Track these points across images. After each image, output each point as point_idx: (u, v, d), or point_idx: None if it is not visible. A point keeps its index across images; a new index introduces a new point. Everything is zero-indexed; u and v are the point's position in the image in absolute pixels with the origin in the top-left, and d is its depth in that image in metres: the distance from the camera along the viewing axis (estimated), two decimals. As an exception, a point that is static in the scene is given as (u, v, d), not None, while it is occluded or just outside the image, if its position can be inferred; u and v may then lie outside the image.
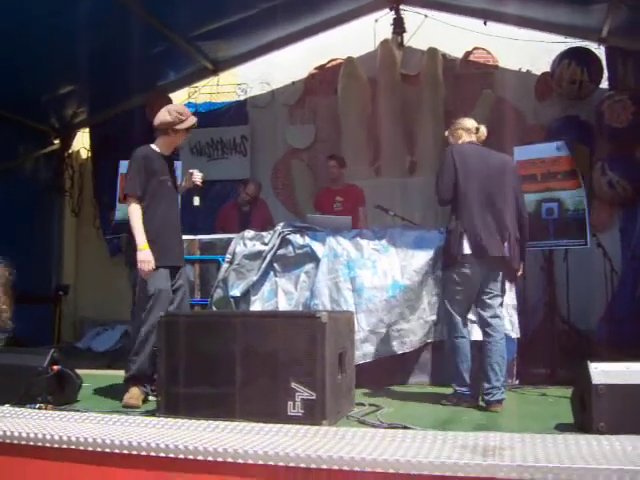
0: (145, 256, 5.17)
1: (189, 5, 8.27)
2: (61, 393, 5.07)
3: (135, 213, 5.25)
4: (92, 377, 6.16)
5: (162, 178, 5.45)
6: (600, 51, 9.05)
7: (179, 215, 5.68)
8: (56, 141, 11.05)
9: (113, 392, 5.72)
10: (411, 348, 6.14)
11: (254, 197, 8.50)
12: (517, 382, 6.10)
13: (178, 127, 5.46)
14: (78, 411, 4.59)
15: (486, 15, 9.35)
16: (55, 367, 4.99)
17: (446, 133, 5.61)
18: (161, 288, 5.23)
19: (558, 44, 9.19)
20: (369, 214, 7.91)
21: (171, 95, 10.68)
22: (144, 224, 5.26)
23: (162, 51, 9.34)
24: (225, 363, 4.38)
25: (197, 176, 5.68)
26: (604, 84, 9.07)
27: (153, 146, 5.53)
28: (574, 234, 6.72)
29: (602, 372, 3.93)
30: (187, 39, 9.36)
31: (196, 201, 5.68)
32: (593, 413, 3.85)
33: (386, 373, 6.16)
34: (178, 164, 8.31)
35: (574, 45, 9.10)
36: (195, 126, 5.58)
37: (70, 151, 11.21)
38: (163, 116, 5.49)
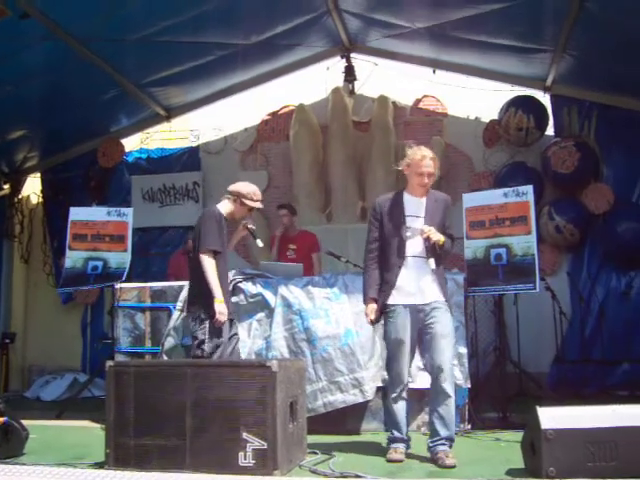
0: (224, 308, 5.42)
1: (142, 52, 8.31)
2: (6, 445, 4.93)
3: (212, 267, 5.48)
4: (40, 428, 5.98)
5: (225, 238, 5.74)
6: (545, 99, 9.32)
7: None
8: (5, 186, 10.91)
9: (61, 444, 5.60)
10: (371, 396, 6.11)
11: None
12: (469, 427, 6.11)
13: (245, 201, 5.71)
14: (24, 464, 4.49)
15: (435, 64, 9.55)
16: (0, 419, 4.88)
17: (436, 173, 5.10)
18: (222, 340, 5.47)
19: (505, 92, 9.43)
20: (321, 260, 7.91)
21: (123, 141, 10.70)
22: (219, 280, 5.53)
23: (114, 97, 9.36)
24: (175, 413, 4.34)
25: (250, 222, 5.95)
26: (550, 131, 9.33)
27: (220, 208, 5.75)
28: (523, 279, 6.78)
29: (551, 417, 3.97)
30: (139, 85, 9.39)
31: (260, 243, 5.93)
32: (543, 458, 3.88)
33: (338, 420, 6.13)
34: (129, 210, 8.30)
35: (520, 93, 9.34)
36: (255, 210, 5.86)
37: (20, 196, 11.06)
38: (240, 186, 5.80)
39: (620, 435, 3.86)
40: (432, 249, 4.90)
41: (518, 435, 4.55)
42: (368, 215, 5.29)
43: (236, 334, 5.81)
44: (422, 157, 4.96)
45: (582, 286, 8.95)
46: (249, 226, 5.87)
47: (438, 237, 4.87)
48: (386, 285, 5.00)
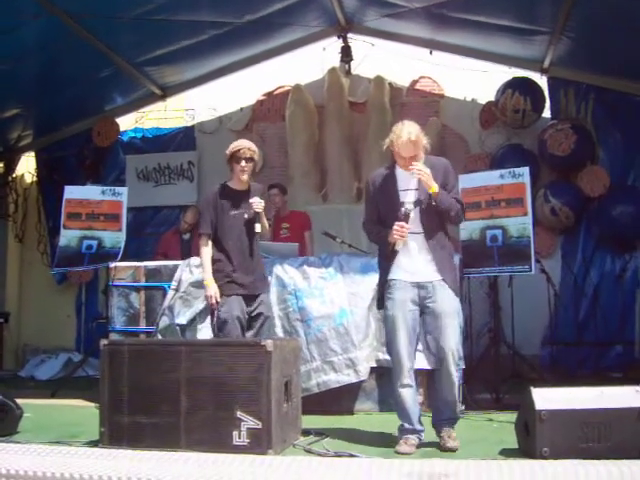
0: (209, 291, 5.43)
1: (137, 30, 8.24)
2: (1, 424, 4.94)
3: (203, 251, 5.54)
4: (34, 407, 5.99)
5: (233, 213, 5.52)
6: (542, 81, 9.28)
7: (256, 246, 5.66)
8: (-1, 165, 10.86)
9: (56, 422, 5.60)
10: (365, 376, 6.11)
11: (193, 224, 8.35)
12: (463, 407, 6.11)
13: (228, 159, 5.59)
14: (18, 443, 4.49)
15: (432, 45, 9.50)
16: (-5, 398, 4.88)
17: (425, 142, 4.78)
18: (227, 317, 5.34)
19: (502, 74, 9.39)
20: (316, 240, 7.91)
21: (118, 120, 10.63)
22: (222, 257, 5.49)
23: (109, 76, 9.28)
24: (170, 392, 4.34)
25: (256, 204, 5.49)
26: (546, 113, 9.30)
27: (228, 182, 5.66)
28: (518, 260, 6.78)
29: (545, 398, 3.98)
30: (134, 64, 9.31)
31: (257, 228, 5.50)
32: (536, 438, 3.90)
33: (332, 400, 6.14)
34: (124, 189, 8.28)
35: (517, 75, 9.30)
36: (238, 151, 5.48)
37: (14, 175, 11.00)
38: None
39: (613, 416, 3.88)
40: (427, 213, 4.63)
41: (511, 416, 4.56)
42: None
43: (262, 314, 5.53)
44: (401, 141, 4.65)
45: (577, 269, 8.98)
46: (254, 207, 5.45)
47: (431, 182, 4.54)
48: (384, 261, 4.79)
